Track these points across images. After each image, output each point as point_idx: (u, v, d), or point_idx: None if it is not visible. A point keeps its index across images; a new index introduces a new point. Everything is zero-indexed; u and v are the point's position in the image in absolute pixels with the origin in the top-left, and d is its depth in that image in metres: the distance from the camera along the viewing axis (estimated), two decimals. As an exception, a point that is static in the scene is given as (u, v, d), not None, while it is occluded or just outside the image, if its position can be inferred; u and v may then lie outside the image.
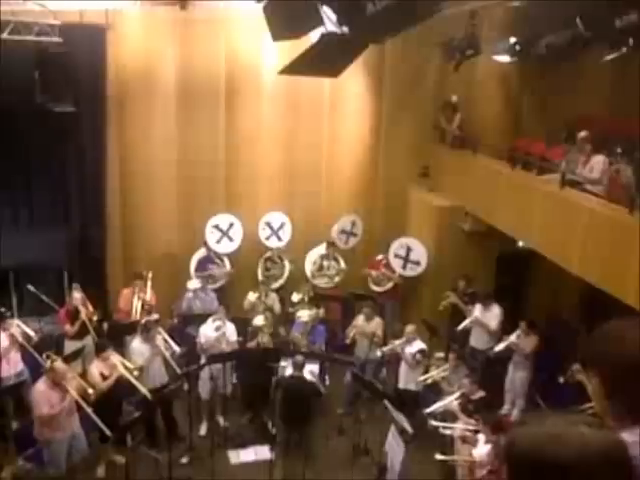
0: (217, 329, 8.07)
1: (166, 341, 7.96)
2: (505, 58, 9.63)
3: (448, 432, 6.78)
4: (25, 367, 7.83)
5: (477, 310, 8.79)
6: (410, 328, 8.18)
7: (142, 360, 7.53)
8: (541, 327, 8.48)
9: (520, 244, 9.36)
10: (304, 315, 8.67)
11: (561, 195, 7.62)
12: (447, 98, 10.73)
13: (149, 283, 8.99)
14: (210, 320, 8.25)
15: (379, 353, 8.38)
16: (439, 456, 6.36)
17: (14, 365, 7.71)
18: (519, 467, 1.38)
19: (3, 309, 7.99)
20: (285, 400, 7.23)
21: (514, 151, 9.52)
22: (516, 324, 8.25)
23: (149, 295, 8.93)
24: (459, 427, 6.65)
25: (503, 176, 9.02)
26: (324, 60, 6.81)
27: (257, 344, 8.31)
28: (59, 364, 6.68)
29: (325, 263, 10.49)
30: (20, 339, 7.72)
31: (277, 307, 9.35)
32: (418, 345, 8.04)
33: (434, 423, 6.93)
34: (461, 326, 8.86)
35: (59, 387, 6.55)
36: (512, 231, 8.72)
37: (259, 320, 8.51)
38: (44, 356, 7.27)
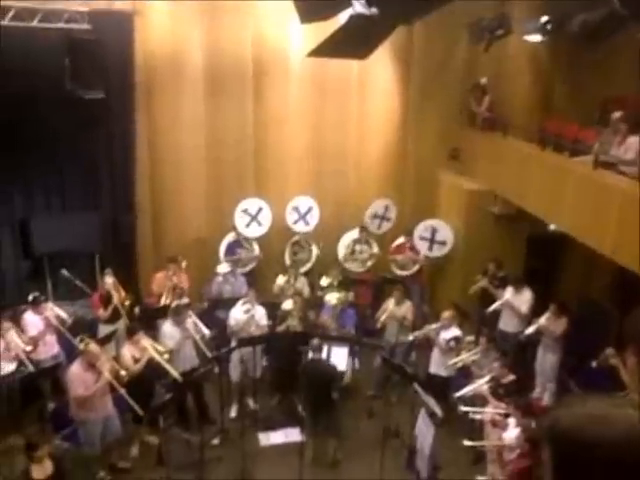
0: (246, 312, 8.13)
1: (196, 325, 8.04)
2: (536, 38, 9.44)
3: (478, 417, 6.74)
4: (60, 350, 7.99)
5: (508, 293, 8.73)
6: (447, 314, 8.05)
7: (173, 343, 7.63)
8: (572, 310, 8.38)
9: (551, 227, 9.24)
10: (332, 298, 8.68)
11: (594, 177, 7.49)
12: (476, 80, 10.59)
13: (183, 267, 9.06)
14: (239, 303, 8.31)
15: (411, 337, 8.34)
16: (468, 442, 6.32)
17: (50, 347, 7.89)
18: (562, 448, 1.35)
19: (38, 293, 8.14)
20: (306, 384, 7.22)
21: (545, 133, 9.38)
22: (546, 308, 8.16)
23: (182, 279, 9.00)
24: (489, 411, 6.61)
25: (534, 158, 8.89)
26: (352, 42, 6.74)
27: (286, 328, 8.36)
28: (93, 346, 6.81)
29: (358, 247, 10.47)
30: (55, 322, 7.87)
31: (306, 291, 9.39)
32: (454, 332, 7.93)
33: (464, 408, 6.89)
34: (491, 308, 8.80)
35: (93, 369, 6.68)
36: (543, 214, 8.60)
37: (288, 304, 8.55)
38: (78, 339, 7.42)
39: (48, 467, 5.88)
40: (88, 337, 7.30)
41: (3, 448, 7.23)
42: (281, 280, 9.35)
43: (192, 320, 8.01)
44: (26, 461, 5.85)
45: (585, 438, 1.30)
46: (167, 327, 7.81)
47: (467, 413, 6.96)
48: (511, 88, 10.68)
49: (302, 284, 9.39)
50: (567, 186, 7.87)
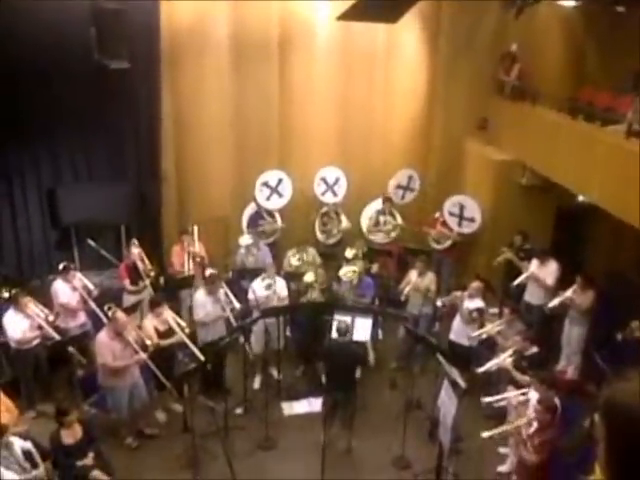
0: (267, 287, 8.14)
1: (227, 295, 8.08)
2: (570, 2, 9.17)
3: (503, 403, 6.68)
4: (87, 319, 8.14)
5: (533, 265, 8.62)
6: (476, 285, 7.98)
7: (204, 312, 7.72)
8: (600, 283, 8.25)
9: (580, 198, 9.06)
10: (347, 272, 8.55)
11: (626, 147, 7.30)
12: (506, 47, 10.35)
13: (196, 236, 9.10)
14: (259, 279, 8.33)
15: (439, 303, 8.30)
16: (486, 433, 6.21)
17: (77, 316, 8.00)
18: (615, 423, 1.35)
19: (67, 263, 8.27)
20: (329, 365, 7.11)
21: (576, 101, 9.16)
22: (573, 280, 8.05)
23: (198, 248, 9.06)
24: (512, 396, 6.53)
25: (564, 128, 8.70)
26: (382, 5, 6.59)
27: (308, 301, 8.37)
28: (120, 315, 6.92)
29: (381, 218, 10.40)
30: (82, 292, 7.99)
31: (317, 261, 9.33)
32: (477, 303, 7.88)
33: (488, 399, 6.83)
34: (517, 281, 8.70)
35: (120, 337, 6.79)
36: (572, 185, 8.45)
37: (310, 277, 8.55)
38: (106, 307, 7.53)
39: (77, 432, 6.05)
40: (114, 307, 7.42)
41: (34, 414, 7.45)
42: (291, 255, 9.32)
43: (224, 291, 8.06)
44: (56, 426, 6.02)
45: (638, 413, 1.30)
46: (200, 295, 7.87)
47: (490, 385, 6.93)
48: (542, 56, 10.43)
49: (312, 256, 9.33)
50: (597, 156, 7.71)
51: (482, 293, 7.99)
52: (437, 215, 10.34)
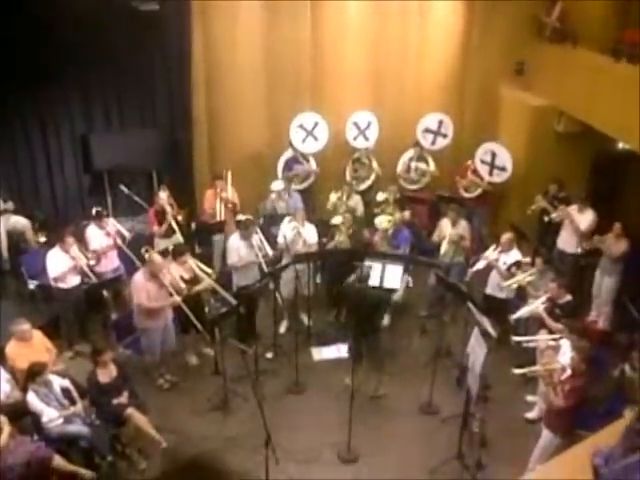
0: (293, 229, 8.14)
1: (262, 242, 8.08)
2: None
3: (532, 345, 6.66)
4: (121, 263, 8.26)
5: (572, 209, 8.53)
6: (505, 237, 7.79)
7: (237, 257, 7.78)
8: (636, 233, 8.07)
9: (619, 145, 8.78)
10: (383, 221, 8.49)
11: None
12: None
13: (229, 182, 9.08)
14: (286, 220, 8.34)
15: (476, 268, 8.11)
16: (517, 370, 6.25)
17: (111, 261, 8.15)
18: None
19: (100, 208, 8.36)
20: (352, 312, 7.16)
21: (620, 43, 8.77)
22: (608, 230, 7.93)
23: (231, 194, 9.07)
24: (542, 339, 6.52)
25: (606, 71, 8.37)
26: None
27: (335, 245, 8.35)
28: (156, 257, 7.00)
29: (412, 164, 10.24)
30: (116, 237, 8.10)
31: (360, 209, 9.30)
32: (515, 255, 7.72)
33: (517, 339, 6.83)
34: (553, 215, 8.68)
35: (155, 279, 6.90)
36: (613, 131, 8.16)
37: (337, 220, 8.52)
38: (143, 250, 7.61)
39: (113, 371, 6.26)
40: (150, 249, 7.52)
41: (72, 354, 7.68)
42: (334, 197, 9.28)
43: (258, 237, 8.07)
44: (93, 366, 6.20)
45: None
46: (234, 240, 7.91)
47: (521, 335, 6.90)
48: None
49: (356, 202, 9.29)
50: (641, 101, 7.40)
51: (514, 242, 7.85)
52: (469, 163, 10.15)
